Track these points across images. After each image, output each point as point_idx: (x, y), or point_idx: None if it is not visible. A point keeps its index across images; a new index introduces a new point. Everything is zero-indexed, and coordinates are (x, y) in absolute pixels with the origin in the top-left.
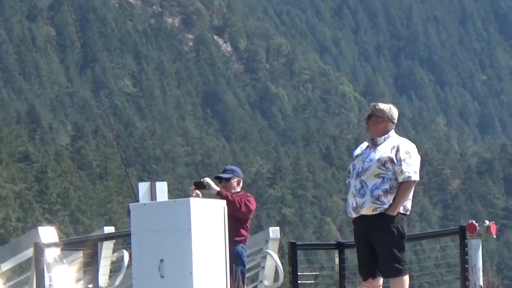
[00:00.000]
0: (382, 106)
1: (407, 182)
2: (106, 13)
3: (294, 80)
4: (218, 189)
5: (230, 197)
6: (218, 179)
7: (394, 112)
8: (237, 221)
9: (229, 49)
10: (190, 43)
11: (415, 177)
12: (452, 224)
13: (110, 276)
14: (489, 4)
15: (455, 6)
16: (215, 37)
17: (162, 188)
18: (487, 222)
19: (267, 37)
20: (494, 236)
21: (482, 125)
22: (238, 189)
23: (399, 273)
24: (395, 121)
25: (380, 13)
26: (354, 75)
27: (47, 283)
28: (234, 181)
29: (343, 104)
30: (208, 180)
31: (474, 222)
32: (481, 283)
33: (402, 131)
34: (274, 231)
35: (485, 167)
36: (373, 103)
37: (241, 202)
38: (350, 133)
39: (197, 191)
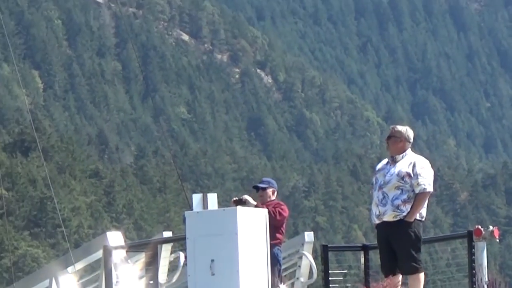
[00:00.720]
0: (400, 128)
1: (423, 193)
2: (164, 50)
3: (325, 107)
4: (255, 203)
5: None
6: (256, 188)
7: (410, 133)
8: (272, 227)
9: (270, 81)
10: (237, 76)
11: (430, 188)
12: (461, 230)
13: (168, 274)
14: (492, 42)
15: (463, 44)
16: (258, 70)
17: (213, 199)
18: (491, 227)
19: (303, 70)
20: (497, 239)
21: (486, 145)
22: (273, 197)
23: (415, 270)
24: (411, 141)
25: (399, 49)
26: (376, 103)
27: (114, 280)
28: (269, 191)
29: (367, 127)
30: (246, 196)
31: (480, 227)
32: (486, 279)
33: (418, 151)
34: (308, 235)
35: (489, 181)
36: (392, 126)
37: (276, 211)
38: (374, 153)
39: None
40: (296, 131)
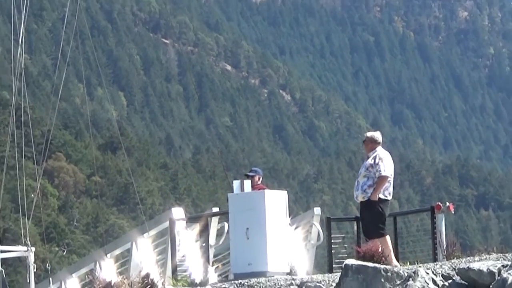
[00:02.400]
0: (368, 134)
1: (380, 177)
2: (213, 76)
3: (329, 117)
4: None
5: None
6: (246, 176)
7: (377, 136)
8: None
9: (289, 98)
10: (265, 95)
11: (384, 173)
12: (427, 205)
13: (216, 238)
14: (448, 70)
15: (427, 71)
16: (281, 91)
17: (247, 184)
18: (447, 203)
19: (312, 91)
20: (453, 212)
21: (445, 144)
22: (259, 182)
23: (381, 235)
24: (379, 141)
25: (382, 75)
26: (366, 114)
27: (177, 243)
28: (256, 177)
29: (359, 131)
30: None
31: (439, 203)
32: (444, 241)
33: (395, 149)
34: (317, 210)
35: (447, 169)
36: (366, 133)
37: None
38: (364, 150)
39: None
40: (308, 134)
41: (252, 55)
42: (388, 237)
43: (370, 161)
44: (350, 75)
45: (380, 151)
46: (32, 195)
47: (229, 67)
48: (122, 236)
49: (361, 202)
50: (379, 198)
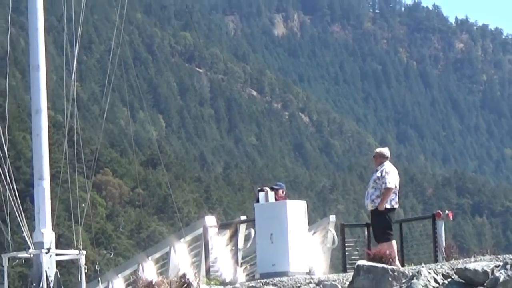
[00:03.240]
0: (378, 150)
1: (386, 189)
2: (241, 101)
3: (342, 136)
4: (271, 193)
5: None
6: (271, 189)
7: (385, 152)
8: None
9: (307, 120)
10: (287, 117)
11: (389, 185)
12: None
13: (244, 243)
14: (447, 94)
15: (428, 95)
16: (300, 113)
17: (271, 195)
18: (447, 211)
19: (328, 113)
20: (451, 219)
21: (444, 159)
22: (283, 195)
23: (387, 240)
24: (387, 156)
25: (388, 99)
26: (374, 133)
27: (210, 247)
28: (280, 190)
29: (369, 149)
30: (267, 188)
31: (439, 211)
32: (444, 244)
33: (400, 164)
34: (332, 217)
35: (446, 182)
36: (376, 149)
37: None
38: (373, 165)
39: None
40: (324, 151)
41: (274, 82)
42: (394, 242)
43: (377, 174)
44: (361, 99)
45: (387, 166)
46: (83, 205)
47: (254, 93)
48: (162, 241)
49: (371, 210)
50: (386, 207)
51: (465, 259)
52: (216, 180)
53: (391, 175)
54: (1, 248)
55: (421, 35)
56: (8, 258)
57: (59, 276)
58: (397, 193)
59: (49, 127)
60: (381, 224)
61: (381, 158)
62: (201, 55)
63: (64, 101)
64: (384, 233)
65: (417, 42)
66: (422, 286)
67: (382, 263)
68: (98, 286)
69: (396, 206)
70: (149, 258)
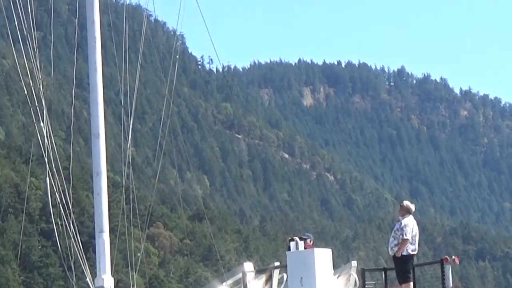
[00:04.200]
0: (405, 203)
1: (402, 240)
2: (275, 163)
3: (363, 192)
4: (301, 242)
5: None
6: (300, 239)
7: (411, 207)
8: None
9: (332, 178)
10: (314, 176)
11: (406, 237)
12: (438, 258)
13: (277, 286)
14: (453, 155)
15: (437, 156)
16: (326, 173)
17: (301, 244)
18: (453, 257)
19: (350, 173)
20: (457, 263)
21: (451, 211)
22: (311, 244)
23: (405, 281)
24: (411, 211)
25: (402, 160)
26: (391, 190)
27: None
28: (308, 240)
29: (386, 203)
30: (296, 238)
31: (447, 257)
32: (451, 285)
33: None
34: (354, 263)
35: (453, 231)
36: (404, 201)
37: None
38: (389, 217)
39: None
40: (347, 206)
41: (304, 146)
42: (411, 284)
43: (397, 225)
44: (378, 160)
45: (406, 220)
46: (138, 254)
47: (286, 155)
48: (207, 284)
49: (392, 256)
50: (403, 254)
51: None
52: (254, 231)
53: (408, 229)
54: None
55: (431, 104)
56: None
57: None
58: (415, 243)
59: (108, 187)
60: (398, 268)
61: (405, 211)
62: (240, 123)
63: (121, 164)
64: (402, 276)
65: (427, 110)
66: None
67: None
68: None
69: (413, 253)
70: None
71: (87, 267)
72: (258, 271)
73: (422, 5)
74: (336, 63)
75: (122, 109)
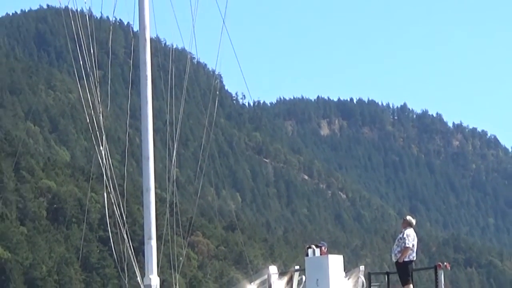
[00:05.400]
0: (408, 217)
1: (404, 248)
2: (296, 183)
3: (370, 208)
4: (317, 250)
5: None
6: (317, 246)
7: (412, 221)
8: None
9: (344, 197)
10: (329, 195)
11: (407, 245)
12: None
13: (297, 285)
14: (447, 179)
15: (433, 180)
16: (339, 192)
17: (317, 251)
18: (445, 263)
19: (360, 192)
20: (449, 269)
21: (444, 225)
22: (325, 251)
23: (406, 283)
24: (412, 224)
25: (404, 184)
26: (394, 207)
27: None
28: (323, 247)
29: (389, 218)
30: (313, 246)
31: (440, 263)
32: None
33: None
34: (362, 267)
35: (445, 242)
36: (407, 216)
37: None
38: (392, 230)
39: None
40: (356, 220)
41: (321, 169)
42: (411, 286)
43: (400, 235)
44: (384, 182)
45: (408, 231)
46: (181, 258)
47: (306, 177)
48: (238, 284)
49: (395, 262)
50: (404, 260)
51: None
52: (278, 240)
53: (410, 238)
54: None
55: (428, 135)
56: None
57: None
58: (415, 250)
59: (155, 201)
60: (400, 272)
61: (407, 224)
62: (267, 149)
63: (167, 183)
64: (404, 278)
65: (425, 140)
66: None
67: None
68: None
69: (413, 259)
70: None
71: (137, 269)
72: (281, 273)
73: (423, 52)
74: (349, 99)
75: (168, 136)
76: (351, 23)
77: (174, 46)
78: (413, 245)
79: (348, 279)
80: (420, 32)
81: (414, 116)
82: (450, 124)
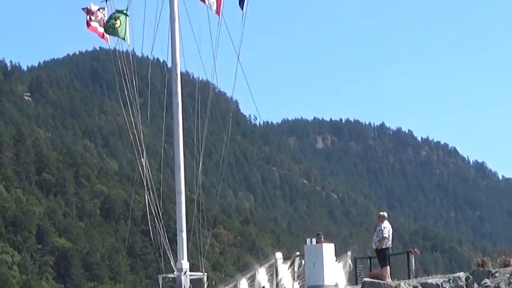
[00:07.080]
0: (381, 213)
1: (382, 237)
2: (297, 186)
3: (356, 205)
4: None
5: None
6: (316, 235)
7: (385, 214)
8: None
9: (336, 197)
10: (324, 195)
11: (385, 235)
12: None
13: (298, 267)
14: (417, 182)
15: (406, 182)
16: (332, 193)
17: (313, 240)
18: (415, 249)
19: (348, 193)
20: (418, 253)
21: (415, 219)
22: (321, 240)
23: (384, 265)
24: (386, 217)
25: (383, 186)
26: (375, 205)
27: (278, 270)
28: (321, 237)
29: (372, 214)
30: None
31: (411, 249)
32: (414, 268)
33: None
34: (349, 253)
35: (416, 232)
36: (380, 212)
37: None
38: (374, 222)
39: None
40: (346, 215)
41: (317, 175)
42: (388, 268)
43: (378, 227)
44: (367, 185)
45: (385, 223)
46: (206, 246)
47: (305, 181)
48: (251, 267)
49: (375, 249)
50: (382, 247)
51: (426, 277)
52: (283, 232)
53: (386, 230)
54: (158, 272)
55: (402, 147)
56: (162, 278)
57: None
58: (390, 239)
59: (186, 201)
60: (379, 257)
61: (382, 218)
62: (275, 160)
63: (195, 187)
64: (382, 262)
65: (399, 151)
66: None
67: (378, 279)
68: None
69: (390, 246)
70: (244, 277)
71: (172, 255)
72: (285, 258)
73: (398, 80)
74: (339, 119)
75: (195, 149)
76: (343, 57)
77: (200, 79)
78: (389, 235)
79: (339, 262)
80: (396, 64)
81: (391, 132)
82: (419, 138)
